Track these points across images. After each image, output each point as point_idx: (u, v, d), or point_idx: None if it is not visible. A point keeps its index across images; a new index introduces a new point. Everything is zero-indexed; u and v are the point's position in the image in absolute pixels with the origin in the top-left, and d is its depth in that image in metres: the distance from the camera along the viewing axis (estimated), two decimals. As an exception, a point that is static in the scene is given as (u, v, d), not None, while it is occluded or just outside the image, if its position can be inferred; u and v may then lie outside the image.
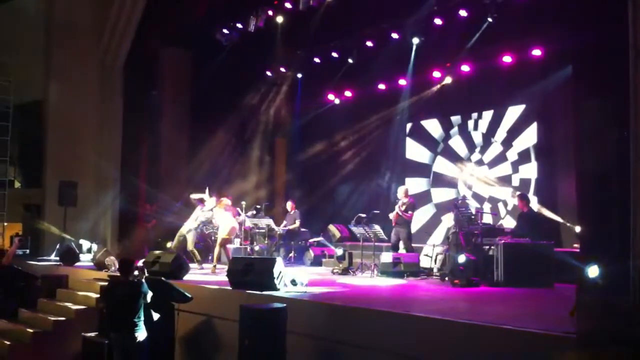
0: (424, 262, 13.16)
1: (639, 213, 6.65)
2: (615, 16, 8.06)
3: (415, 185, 16.11)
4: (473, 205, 13.98)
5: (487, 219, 12.95)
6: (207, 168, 17.10)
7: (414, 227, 14.05)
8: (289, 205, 16.14)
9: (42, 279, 13.26)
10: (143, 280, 8.55)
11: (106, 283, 10.24)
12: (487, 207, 14.95)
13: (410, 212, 13.26)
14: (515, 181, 14.83)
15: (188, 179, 18.19)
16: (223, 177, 13.99)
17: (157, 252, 12.32)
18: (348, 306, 8.10)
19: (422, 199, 16.15)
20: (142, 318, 8.31)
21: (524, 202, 12.08)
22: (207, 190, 14.16)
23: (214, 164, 17.27)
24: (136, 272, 8.67)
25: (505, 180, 15.01)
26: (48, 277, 13.36)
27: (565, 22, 12.35)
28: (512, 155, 14.93)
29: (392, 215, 13.34)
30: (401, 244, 13.16)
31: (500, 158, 15.20)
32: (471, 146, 15.90)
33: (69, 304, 11.97)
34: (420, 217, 15.60)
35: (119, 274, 8.77)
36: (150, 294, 8.40)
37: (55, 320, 11.52)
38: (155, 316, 8.79)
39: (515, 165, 14.87)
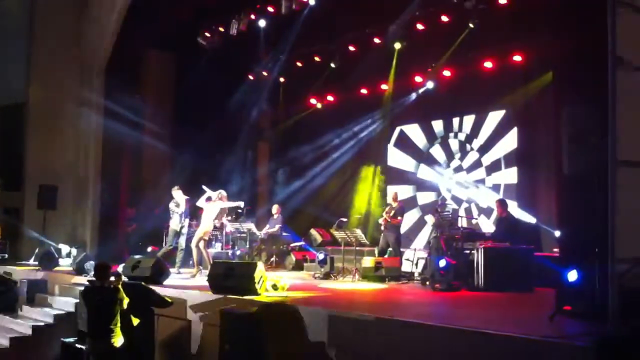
0: (406, 267, 13.20)
1: (617, 218, 6.71)
2: (595, 23, 8.14)
3: (400, 191, 16.08)
4: (452, 206, 14.09)
5: (466, 222, 13.06)
6: (189, 172, 17.02)
7: (401, 231, 14.03)
8: (275, 208, 16.08)
9: (21, 284, 13.12)
10: (119, 285, 8.46)
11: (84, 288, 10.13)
12: (463, 208, 15.04)
13: (399, 217, 13.29)
14: (488, 184, 14.94)
15: (170, 183, 18.09)
16: (205, 181, 13.90)
17: (137, 256, 12.24)
18: (329, 311, 8.08)
19: (408, 204, 16.12)
20: (119, 324, 8.23)
21: (502, 207, 12.15)
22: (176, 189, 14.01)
23: (196, 168, 17.18)
24: (112, 278, 8.57)
25: (480, 184, 15.10)
26: (27, 281, 13.22)
27: (546, 28, 12.48)
28: (487, 161, 15.03)
29: (381, 220, 13.38)
30: (389, 249, 13.18)
31: (477, 164, 15.28)
32: (450, 153, 15.97)
33: (48, 309, 11.86)
34: (406, 222, 15.57)
35: (94, 279, 8.69)
36: (127, 300, 8.32)
37: (34, 326, 11.41)
38: (135, 321, 8.72)
39: (489, 171, 14.98)
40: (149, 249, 14.76)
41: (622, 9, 6.95)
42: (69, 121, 17.22)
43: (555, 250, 11.76)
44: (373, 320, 7.40)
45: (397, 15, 14.80)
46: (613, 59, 6.66)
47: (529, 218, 13.52)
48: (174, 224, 13.75)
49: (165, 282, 11.24)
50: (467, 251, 11.46)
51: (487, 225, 13.93)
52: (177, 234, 13.77)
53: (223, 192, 13.31)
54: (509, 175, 14.52)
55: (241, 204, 13.64)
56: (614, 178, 6.77)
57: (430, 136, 16.51)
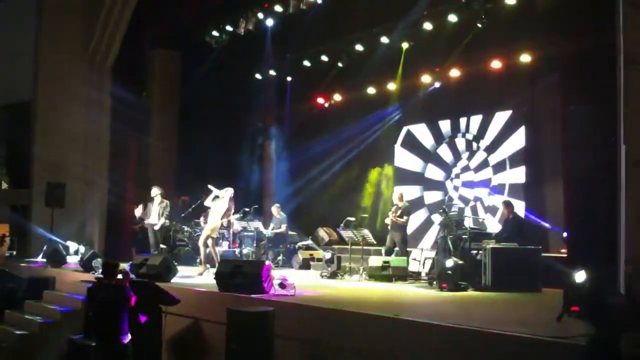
0: (412, 266, 13.19)
1: (627, 217, 6.70)
2: (602, 25, 8.13)
3: (408, 191, 16.06)
4: (459, 206, 14.08)
5: (474, 222, 13.04)
6: (195, 170, 17.05)
7: (408, 231, 14.02)
8: (275, 209, 16.10)
9: (29, 281, 13.18)
10: (127, 284, 8.49)
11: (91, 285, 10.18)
12: (469, 207, 15.04)
13: (405, 217, 13.28)
14: (495, 183, 14.92)
15: (176, 181, 18.14)
16: (211, 179, 13.94)
17: (145, 254, 12.28)
18: (336, 310, 8.10)
19: (415, 204, 16.09)
20: (126, 322, 8.25)
21: (509, 208, 12.14)
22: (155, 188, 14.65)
23: (203, 166, 17.20)
24: (120, 276, 8.60)
25: (485, 185, 15.08)
26: (35, 278, 13.28)
27: (554, 28, 12.44)
28: (494, 161, 15.00)
29: (387, 220, 13.38)
30: (396, 248, 13.18)
31: (484, 163, 15.25)
32: (457, 153, 15.94)
33: (55, 306, 11.92)
34: (413, 222, 15.54)
35: (102, 277, 8.74)
36: (134, 298, 8.35)
37: (42, 322, 11.47)
38: (143, 319, 8.75)
39: (496, 170, 14.96)
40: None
41: (631, 9, 6.95)
42: (76, 119, 17.29)
43: (563, 250, 11.75)
44: (379, 320, 7.42)
45: (404, 15, 14.78)
46: (623, 60, 6.66)
47: (537, 220, 13.45)
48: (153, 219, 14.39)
49: (173, 280, 11.28)
50: (474, 251, 11.46)
51: (494, 225, 13.91)
52: (154, 232, 14.37)
53: (230, 190, 13.32)
54: (516, 175, 14.48)
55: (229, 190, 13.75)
56: (624, 177, 6.77)
57: (438, 136, 16.48)
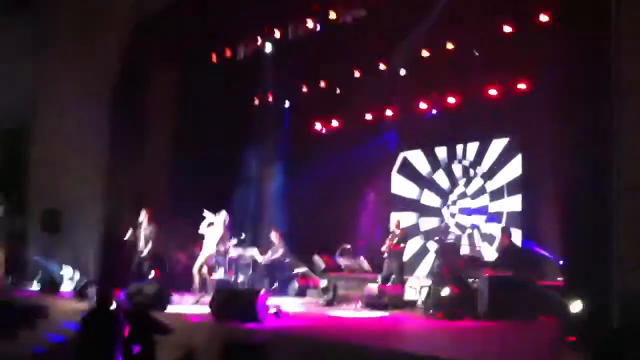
0: (409, 294, 13.12)
1: (621, 239, 6.69)
2: (600, 53, 8.16)
3: (403, 218, 16.01)
4: (456, 233, 14.04)
5: (468, 250, 13.02)
6: (192, 194, 16.95)
7: (405, 258, 13.96)
8: (274, 235, 16.02)
9: (23, 309, 13.06)
10: (121, 312, 8.41)
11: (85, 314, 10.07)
12: (466, 234, 14.99)
13: (402, 244, 13.24)
14: (492, 210, 14.91)
15: (171, 205, 18.00)
16: (207, 204, 13.91)
17: (140, 282, 12.22)
18: (330, 340, 8.05)
19: (411, 231, 16.01)
20: (119, 352, 8.15)
21: (506, 235, 12.11)
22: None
23: (199, 190, 17.12)
24: (114, 304, 8.53)
25: (482, 212, 15.06)
26: (29, 307, 13.17)
27: (550, 55, 12.50)
28: (491, 188, 15.01)
29: (384, 247, 13.34)
30: (393, 276, 13.11)
31: (481, 191, 15.25)
32: (454, 180, 15.94)
33: (49, 336, 11.79)
34: (409, 249, 15.46)
35: (96, 306, 8.66)
36: (127, 328, 8.27)
37: (34, 352, 11.34)
38: (136, 349, 8.66)
39: (493, 197, 14.96)
40: (152, 275, 14.70)
41: (628, 39, 6.99)
42: (72, 143, 17.22)
43: (560, 279, 11.69)
44: (374, 350, 7.36)
45: (402, 42, 14.84)
46: (617, 93, 6.68)
47: (535, 248, 13.40)
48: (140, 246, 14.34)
49: (167, 309, 11.19)
50: (471, 279, 11.40)
51: (490, 253, 13.86)
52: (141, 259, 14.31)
53: (224, 215, 13.24)
54: (513, 203, 14.46)
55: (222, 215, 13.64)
56: (618, 206, 6.76)
57: (434, 163, 16.49)
